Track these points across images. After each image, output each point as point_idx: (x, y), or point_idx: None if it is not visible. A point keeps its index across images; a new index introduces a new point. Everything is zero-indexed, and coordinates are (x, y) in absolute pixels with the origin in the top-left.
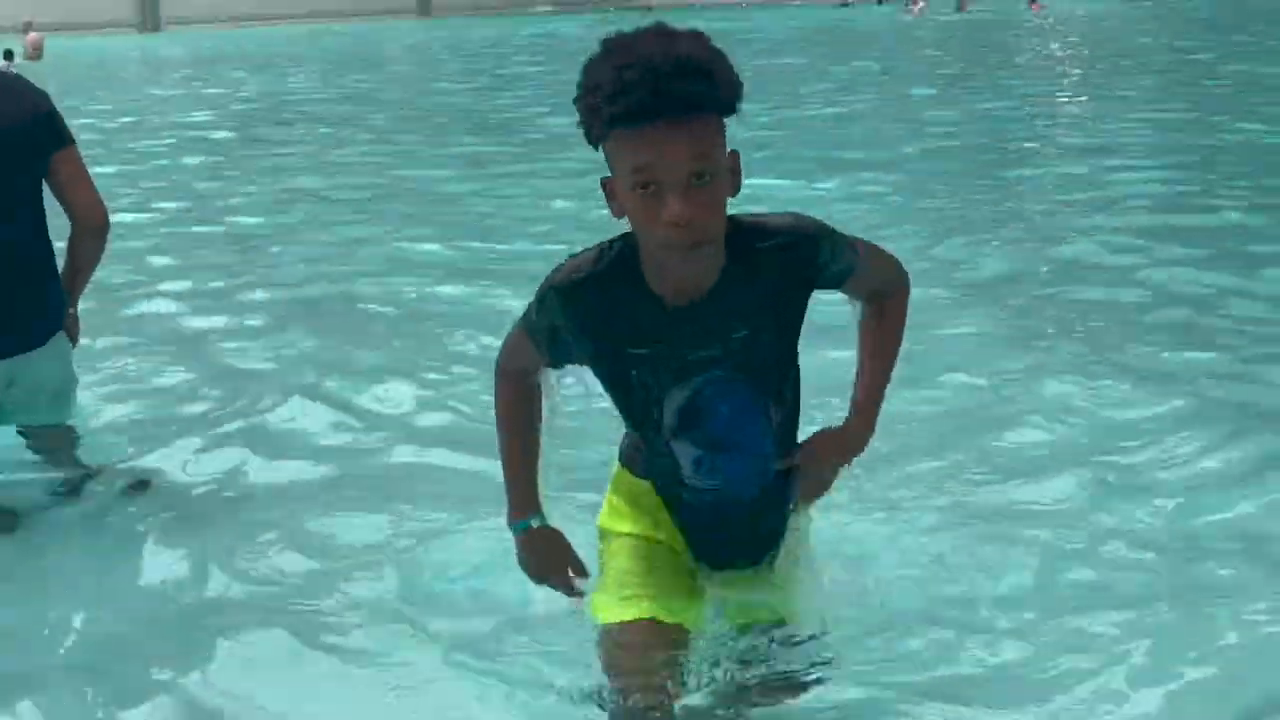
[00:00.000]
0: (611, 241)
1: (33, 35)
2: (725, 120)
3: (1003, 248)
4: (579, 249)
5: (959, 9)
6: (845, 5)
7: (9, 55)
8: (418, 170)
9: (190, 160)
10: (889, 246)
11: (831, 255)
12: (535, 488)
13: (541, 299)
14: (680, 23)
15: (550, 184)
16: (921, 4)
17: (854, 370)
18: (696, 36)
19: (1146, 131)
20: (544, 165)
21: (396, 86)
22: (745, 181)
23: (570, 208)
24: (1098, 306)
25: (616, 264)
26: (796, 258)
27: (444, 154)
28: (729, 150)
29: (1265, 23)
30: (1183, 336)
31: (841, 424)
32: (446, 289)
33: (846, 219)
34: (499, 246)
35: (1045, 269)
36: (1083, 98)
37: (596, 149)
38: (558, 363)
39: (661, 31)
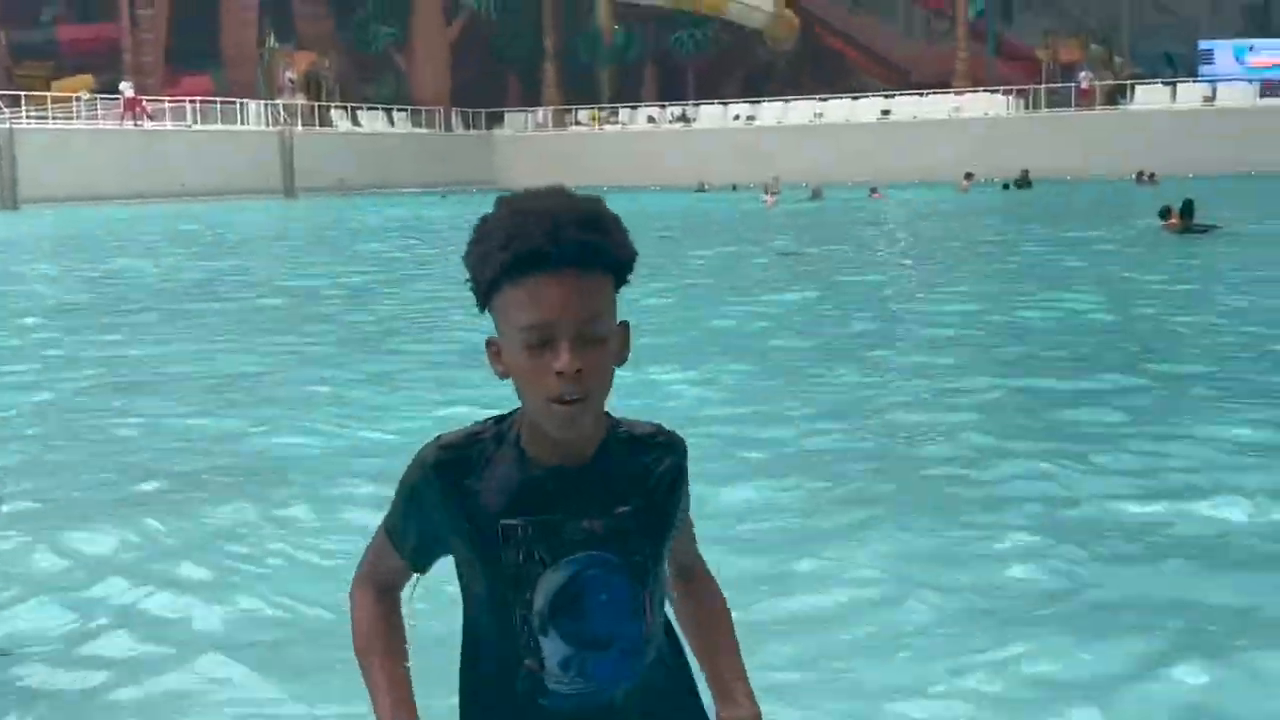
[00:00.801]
0: (487, 419)
1: None
2: (616, 289)
3: (848, 431)
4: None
5: (813, 197)
6: (701, 191)
7: None
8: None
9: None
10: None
11: (686, 478)
12: (415, 712)
13: (406, 477)
14: None
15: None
16: (773, 198)
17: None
18: (595, 199)
19: (968, 309)
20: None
21: (258, 268)
22: None
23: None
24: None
25: (493, 432)
26: (672, 453)
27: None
28: (619, 321)
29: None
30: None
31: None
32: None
33: (688, 403)
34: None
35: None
36: (912, 278)
37: (483, 310)
38: (422, 561)
39: (560, 190)
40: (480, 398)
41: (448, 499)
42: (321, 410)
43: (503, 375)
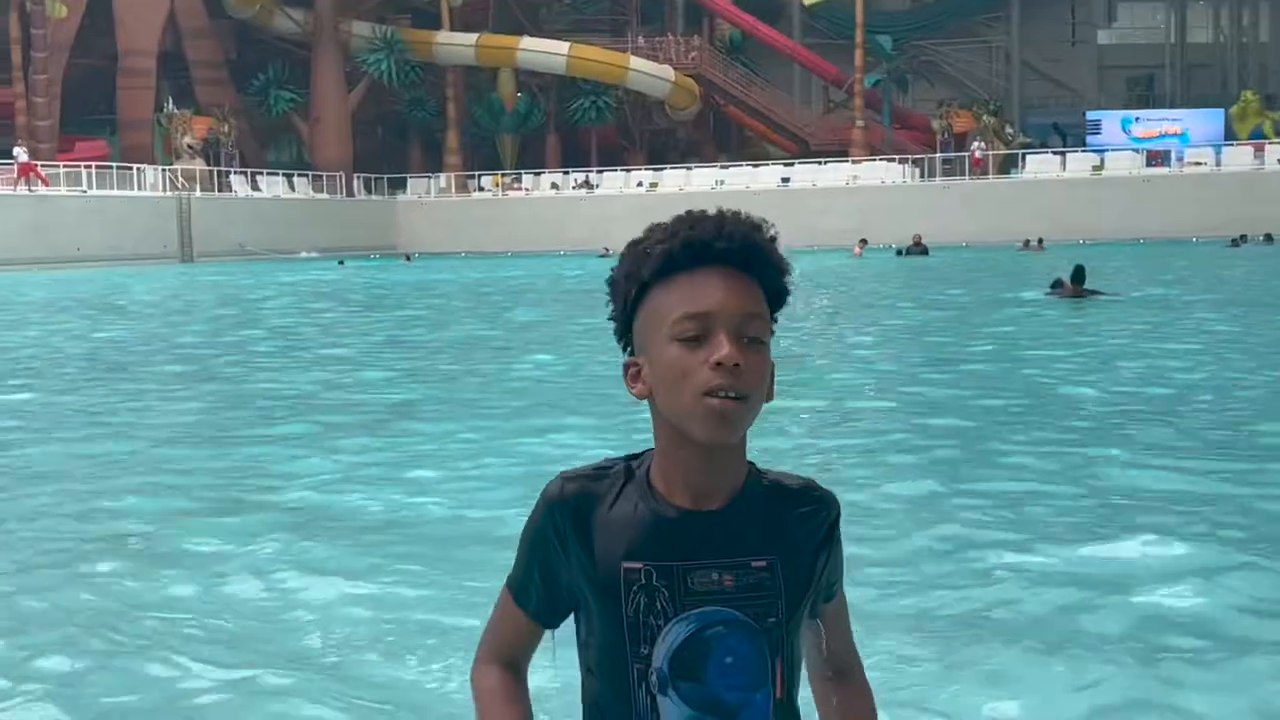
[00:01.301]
0: (615, 457)
1: None
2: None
3: None
4: None
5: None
6: (604, 255)
7: None
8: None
9: None
10: None
11: (839, 541)
12: None
13: (531, 518)
14: (457, 267)
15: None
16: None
17: None
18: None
19: (862, 368)
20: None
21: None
22: None
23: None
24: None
25: (621, 468)
26: (823, 508)
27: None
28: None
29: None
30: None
31: None
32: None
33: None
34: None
35: None
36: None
37: (624, 335)
38: (548, 613)
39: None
40: (378, 459)
41: (573, 535)
42: (208, 475)
43: (642, 395)
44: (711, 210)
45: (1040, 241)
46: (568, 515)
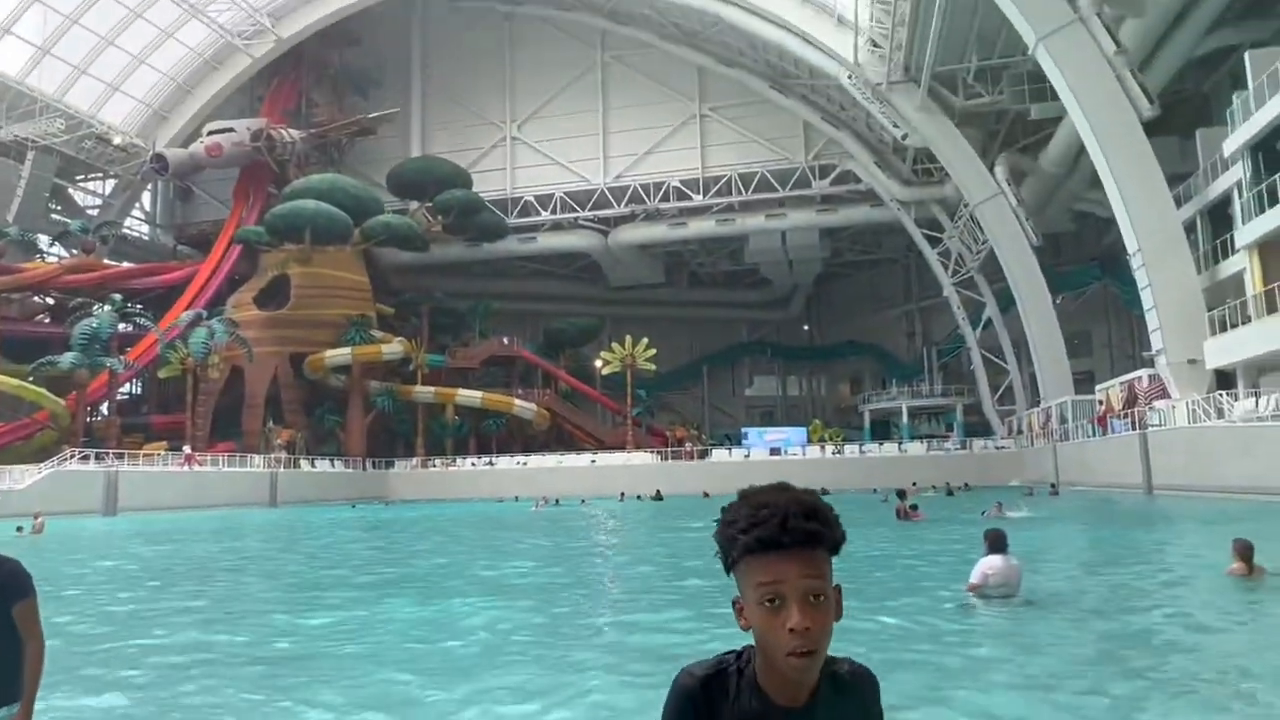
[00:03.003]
0: (739, 650)
1: (39, 520)
2: (832, 558)
3: None
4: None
5: (556, 503)
6: (500, 501)
7: (20, 529)
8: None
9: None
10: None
11: (880, 704)
12: None
13: (668, 706)
14: (421, 506)
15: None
16: (542, 504)
17: None
18: (813, 493)
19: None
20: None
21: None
22: None
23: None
24: None
25: (734, 665)
26: (870, 690)
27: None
28: (834, 584)
29: None
30: None
31: None
32: None
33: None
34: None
35: None
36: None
37: (729, 574)
38: None
39: (785, 486)
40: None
41: (707, 716)
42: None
43: (745, 628)
44: (776, 499)
45: (706, 494)
46: (704, 698)
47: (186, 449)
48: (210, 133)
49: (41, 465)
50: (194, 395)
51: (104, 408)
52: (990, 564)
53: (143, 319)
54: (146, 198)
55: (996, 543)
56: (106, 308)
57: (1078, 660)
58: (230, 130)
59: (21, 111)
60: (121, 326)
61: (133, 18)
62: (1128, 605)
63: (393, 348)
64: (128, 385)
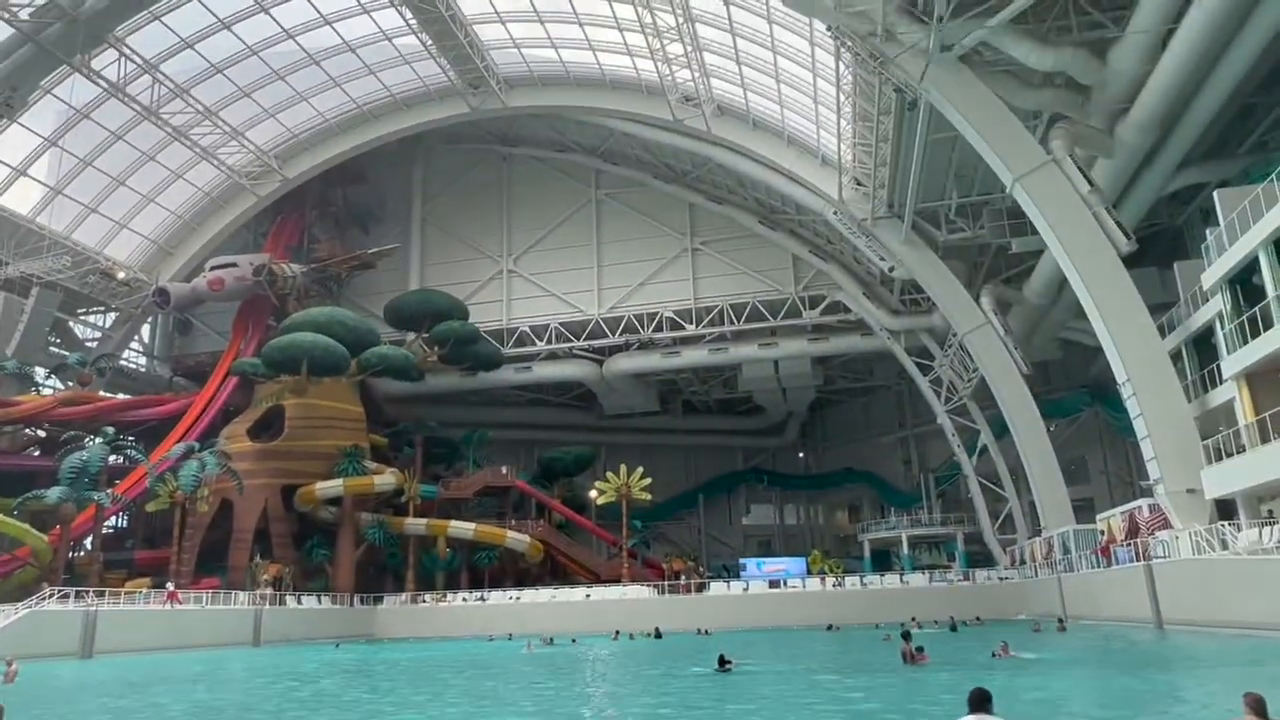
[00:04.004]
0: None
1: (12, 667)
2: None
3: None
4: None
5: (549, 642)
6: (491, 640)
7: None
8: None
9: None
10: None
11: None
12: None
13: None
14: (409, 646)
15: None
16: (532, 648)
17: None
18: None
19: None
20: None
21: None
22: None
23: None
24: None
25: None
26: None
27: None
28: None
29: None
30: None
31: None
32: None
33: None
34: None
35: None
36: None
37: None
38: None
39: None
40: None
41: None
42: None
43: None
44: None
45: (705, 631)
46: None
47: (170, 586)
48: (213, 268)
49: (18, 605)
50: (181, 529)
51: (87, 543)
52: None
53: (134, 450)
54: (145, 330)
55: (976, 703)
56: (98, 440)
57: None
58: (233, 265)
59: (30, 248)
60: (112, 459)
61: (145, 160)
62: None
63: (385, 479)
64: (113, 519)
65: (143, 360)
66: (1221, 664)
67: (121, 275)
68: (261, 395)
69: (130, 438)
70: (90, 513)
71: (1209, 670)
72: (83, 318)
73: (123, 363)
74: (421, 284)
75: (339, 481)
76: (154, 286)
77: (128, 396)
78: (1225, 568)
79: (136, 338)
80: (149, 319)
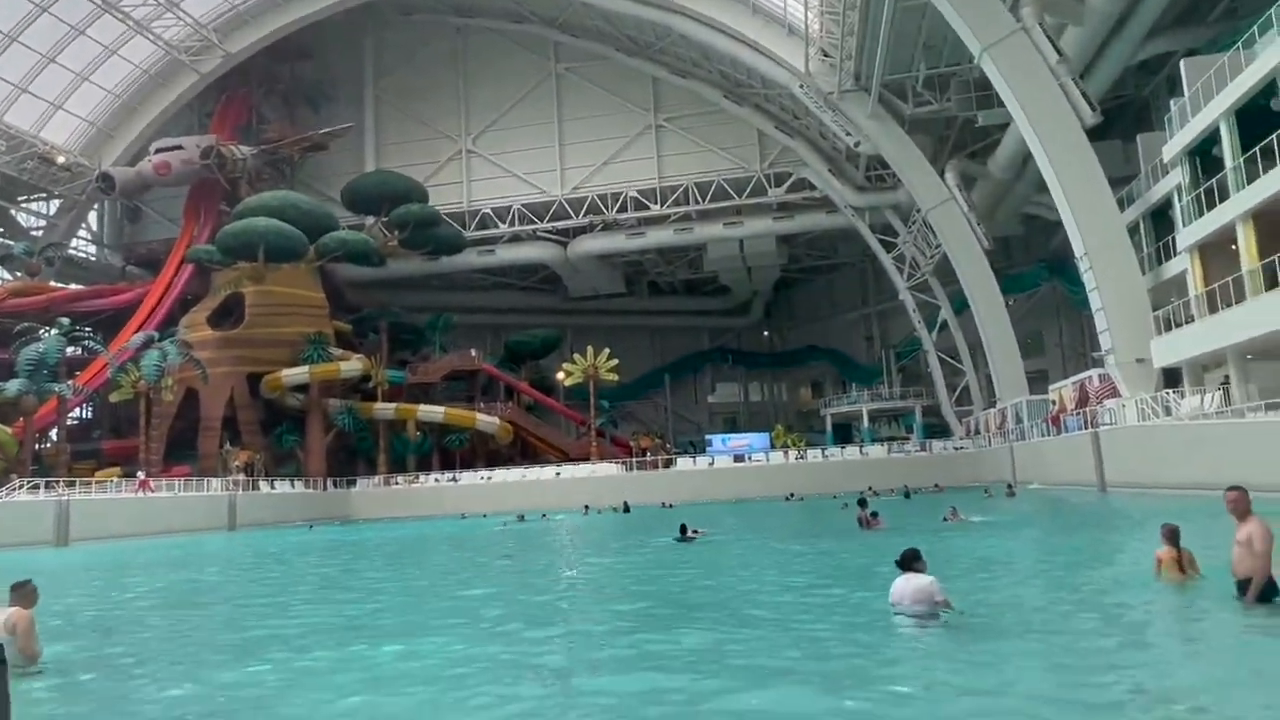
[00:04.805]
0: None
1: None
2: None
3: None
4: None
5: (520, 520)
6: (463, 518)
7: None
8: None
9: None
10: None
11: None
12: None
13: None
14: (386, 525)
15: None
16: (522, 520)
17: None
18: None
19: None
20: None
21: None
22: None
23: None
24: None
25: None
26: None
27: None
28: None
29: None
30: None
31: None
32: None
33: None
34: None
35: None
36: None
37: None
38: None
39: None
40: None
41: None
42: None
43: None
44: None
45: (668, 505)
46: None
47: (140, 474)
48: (158, 150)
49: None
50: (147, 419)
51: (53, 434)
52: (896, 585)
53: (92, 342)
54: (93, 218)
55: (906, 561)
56: (54, 332)
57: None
58: (179, 147)
59: None
60: (70, 350)
61: (75, 34)
62: (1051, 624)
63: (351, 365)
64: (78, 410)
65: (93, 249)
66: (1158, 521)
67: (61, 160)
68: (219, 283)
69: (87, 329)
70: (53, 405)
71: (1145, 528)
72: (25, 206)
73: (72, 252)
74: (378, 166)
75: (304, 369)
76: (97, 171)
77: (80, 287)
78: (1166, 433)
79: (84, 226)
80: (96, 206)
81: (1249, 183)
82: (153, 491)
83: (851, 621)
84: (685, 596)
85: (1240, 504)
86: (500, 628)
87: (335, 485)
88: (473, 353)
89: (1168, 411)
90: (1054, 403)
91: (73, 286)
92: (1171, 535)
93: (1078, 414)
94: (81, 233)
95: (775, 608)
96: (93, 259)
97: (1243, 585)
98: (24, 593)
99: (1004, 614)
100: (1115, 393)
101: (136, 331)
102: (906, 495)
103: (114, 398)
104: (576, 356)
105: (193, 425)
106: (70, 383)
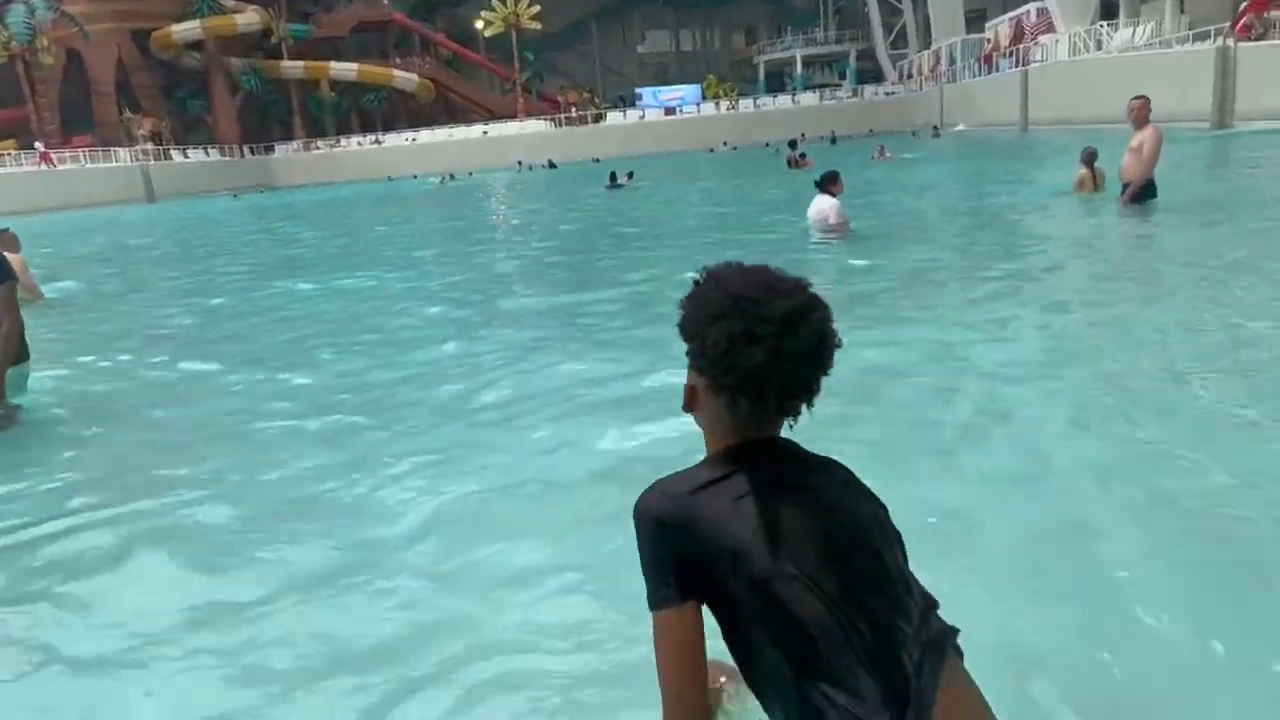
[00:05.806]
0: None
1: None
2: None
3: None
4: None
5: (450, 179)
6: (390, 180)
7: None
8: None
9: None
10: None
11: None
12: None
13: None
14: (311, 189)
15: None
16: (444, 180)
17: None
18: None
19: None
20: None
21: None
22: None
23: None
24: None
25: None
26: None
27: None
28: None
29: None
30: None
31: None
32: None
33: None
34: None
35: None
36: None
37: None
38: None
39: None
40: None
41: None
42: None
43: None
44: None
45: (597, 160)
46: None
47: (39, 146)
48: None
49: None
50: (31, 85)
51: None
52: (814, 203)
53: None
54: None
55: (821, 183)
56: None
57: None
58: None
59: None
60: None
61: None
62: (953, 235)
63: (248, 18)
64: None
65: None
66: (1076, 150)
67: None
68: None
69: None
70: None
71: (1063, 155)
72: None
73: None
74: None
75: (195, 23)
76: None
77: None
78: (1094, 66)
79: None
80: None
81: None
82: (54, 165)
83: (774, 236)
84: (615, 227)
85: (1142, 112)
86: (433, 265)
87: (253, 152)
88: (383, 0)
89: (1099, 46)
90: (989, 41)
91: None
92: (1089, 158)
93: (1011, 54)
94: None
95: (704, 232)
96: None
97: (1127, 188)
98: (5, 238)
99: (905, 228)
100: (1051, 28)
101: None
102: (833, 141)
103: None
104: (495, 3)
105: (85, 92)
106: None
